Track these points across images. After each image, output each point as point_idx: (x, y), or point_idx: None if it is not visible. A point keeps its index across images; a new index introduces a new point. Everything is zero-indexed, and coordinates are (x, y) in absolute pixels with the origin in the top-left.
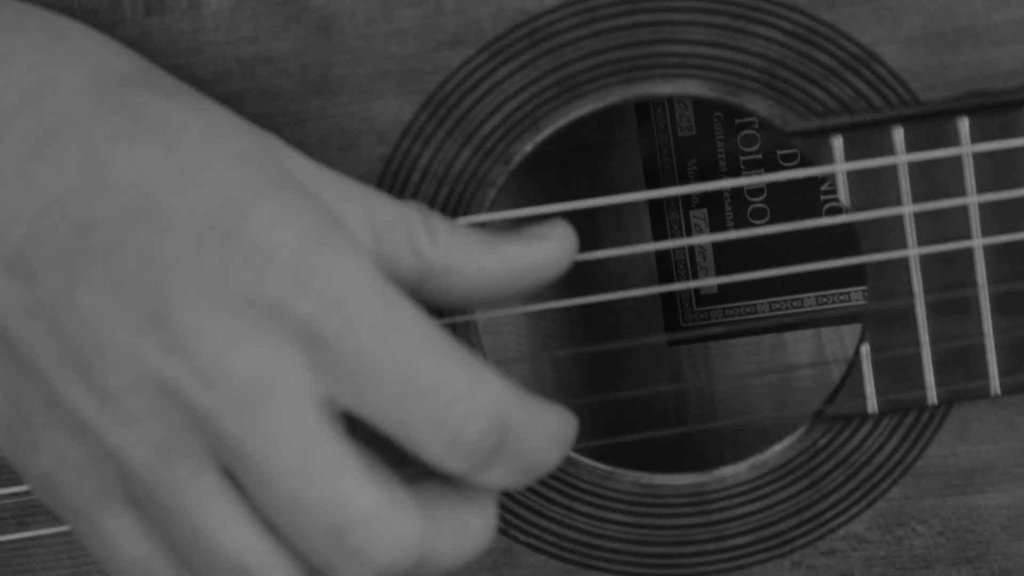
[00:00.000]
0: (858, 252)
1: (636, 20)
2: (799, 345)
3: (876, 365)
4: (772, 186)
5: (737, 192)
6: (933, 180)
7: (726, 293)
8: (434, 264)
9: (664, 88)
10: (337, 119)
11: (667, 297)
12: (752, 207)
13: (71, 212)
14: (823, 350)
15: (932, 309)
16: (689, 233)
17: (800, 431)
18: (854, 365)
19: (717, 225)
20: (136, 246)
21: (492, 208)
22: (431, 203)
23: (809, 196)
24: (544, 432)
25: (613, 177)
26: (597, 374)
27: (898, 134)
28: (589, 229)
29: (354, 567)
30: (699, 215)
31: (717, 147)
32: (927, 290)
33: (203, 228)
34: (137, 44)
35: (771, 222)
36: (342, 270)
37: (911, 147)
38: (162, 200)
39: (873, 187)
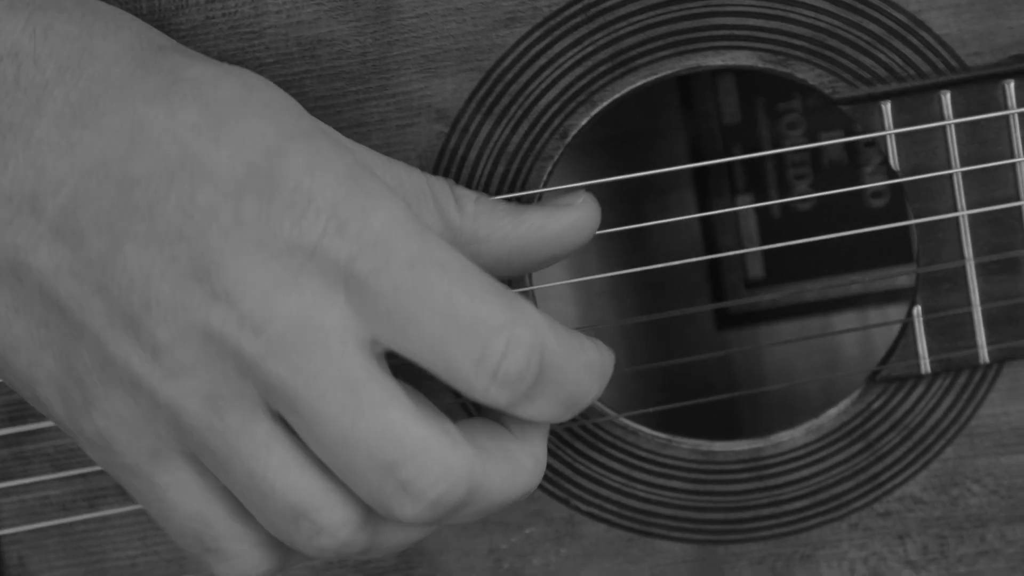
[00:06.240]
0: (906, 230)
1: None
2: (845, 326)
3: (928, 325)
4: (818, 171)
5: (783, 179)
6: (981, 142)
7: (773, 277)
8: (462, 231)
9: (715, 60)
10: (397, 98)
11: (716, 286)
12: (797, 191)
13: (114, 172)
14: (870, 334)
15: (982, 269)
16: (736, 221)
17: (855, 394)
18: (907, 327)
19: (763, 210)
20: (178, 199)
21: (548, 183)
22: (489, 178)
23: (854, 180)
24: (583, 363)
25: (659, 164)
26: (647, 351)
27: (946, 99)
28: (635, 215)
29: (406, 501)
30: (745, 201)
31: (761, 132)
32: (976, 251)
33: (243, 176)
34: (201, 28)
35: (817, 209)
36: (378, 212)
37: (958, 111)
38: (202, 153)
39: (922, 150)
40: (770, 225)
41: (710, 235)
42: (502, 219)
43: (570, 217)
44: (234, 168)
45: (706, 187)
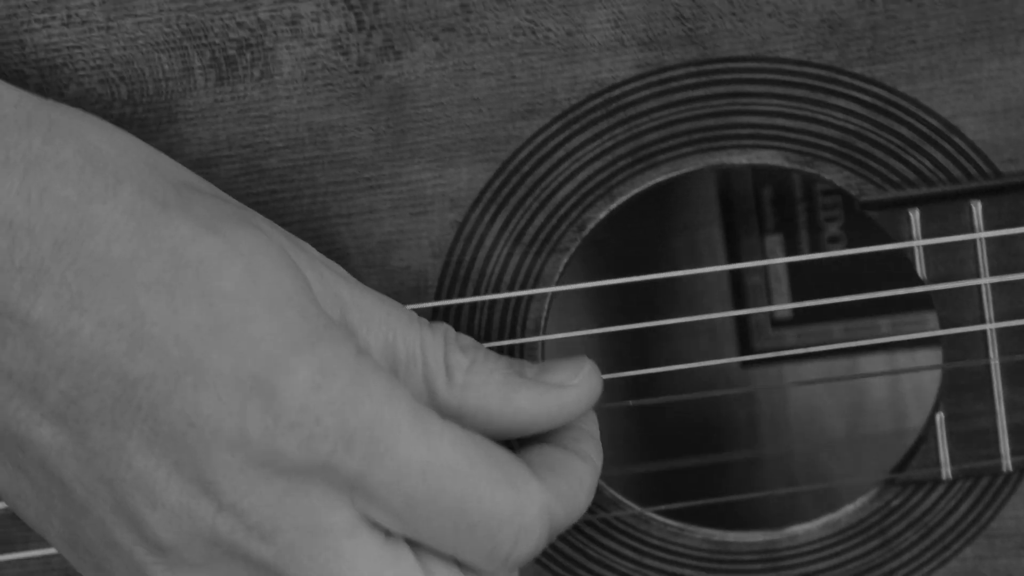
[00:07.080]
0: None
1: (711, 91)
2: (873, 367)
3: (951, 433)
4: (848, 212)
5: (813, 218)
6: (1012, 253)
7: (800, 316)
8: (447, 405)
9: (739, 158)
10: (410, 185)
11: (741, 321)
12: (828, 233)
13: (115, 367)
14: (898, 379)
15: (1007, 378)
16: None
17: (872, 492)
18: (928, 432)
19: (792, 252)
20: (182, 406)
21: (564, 272)
22: (504, 266)
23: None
24: (584, 500)
25: (688, 205)
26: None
27: (976, 209)
28: (664, 254)
29: None
30: (775, 240)
31: (792, 174)
32: (1003, 361)
33: (247, 389)
34: (209, 111)
35: (847, 247)
36: (385, 421)
37: (990, 220)
38: (204, 359)
39: (950, 259)
40: (799, 268)
41: (737, 276)
42: (490, 398)
43: (561, 400)
44: (238, 379)
45: (734, 227)
